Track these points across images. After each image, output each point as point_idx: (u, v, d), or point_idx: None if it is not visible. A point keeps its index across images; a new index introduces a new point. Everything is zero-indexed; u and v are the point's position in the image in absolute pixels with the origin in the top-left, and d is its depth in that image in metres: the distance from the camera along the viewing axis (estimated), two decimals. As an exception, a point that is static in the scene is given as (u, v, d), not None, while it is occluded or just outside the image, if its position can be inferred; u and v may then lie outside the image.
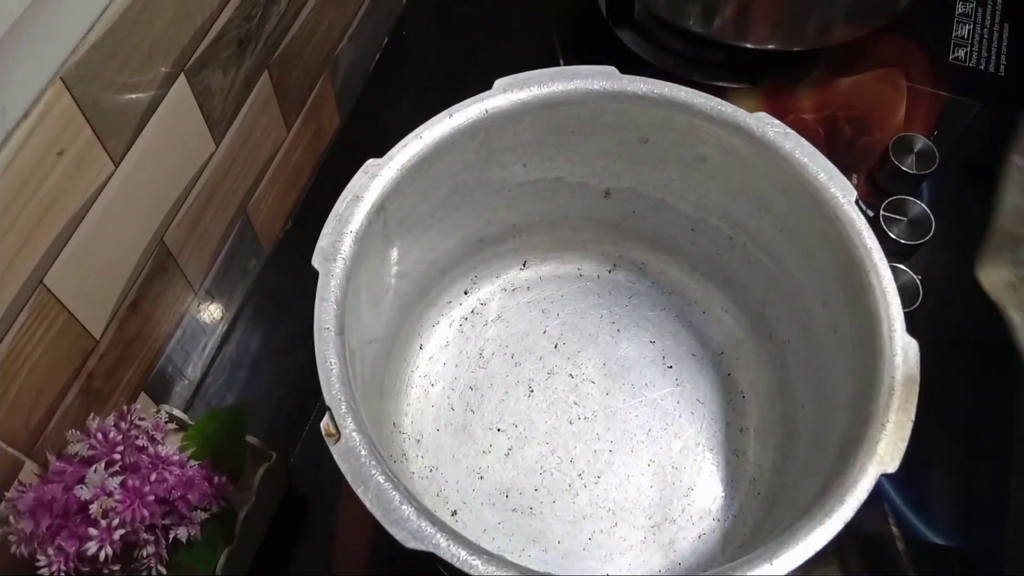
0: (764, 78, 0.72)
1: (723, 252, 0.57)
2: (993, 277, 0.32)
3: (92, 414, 0.48)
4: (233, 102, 0.57)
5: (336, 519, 0.57)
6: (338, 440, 0.40)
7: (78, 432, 0.47)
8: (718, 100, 0.50)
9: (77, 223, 0.45)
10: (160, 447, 0.47)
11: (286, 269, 0.67)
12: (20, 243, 0.42)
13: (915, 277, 0.62)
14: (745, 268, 0.56)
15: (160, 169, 0.51)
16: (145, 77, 0.47)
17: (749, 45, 0.67)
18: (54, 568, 0.43)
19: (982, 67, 0.75)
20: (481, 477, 0.54)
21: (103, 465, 0.45)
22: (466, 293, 0.60)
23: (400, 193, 0.48)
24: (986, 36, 0.76)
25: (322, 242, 0.46)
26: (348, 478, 0.39)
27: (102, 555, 0.43)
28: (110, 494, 0.44)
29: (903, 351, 0.43)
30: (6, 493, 0.45)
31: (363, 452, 0.40)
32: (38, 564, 0.43)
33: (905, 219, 0.64)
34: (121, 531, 0.44)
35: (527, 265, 0.62)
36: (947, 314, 0.61)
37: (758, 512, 0.53)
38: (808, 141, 0.49)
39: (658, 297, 0.61)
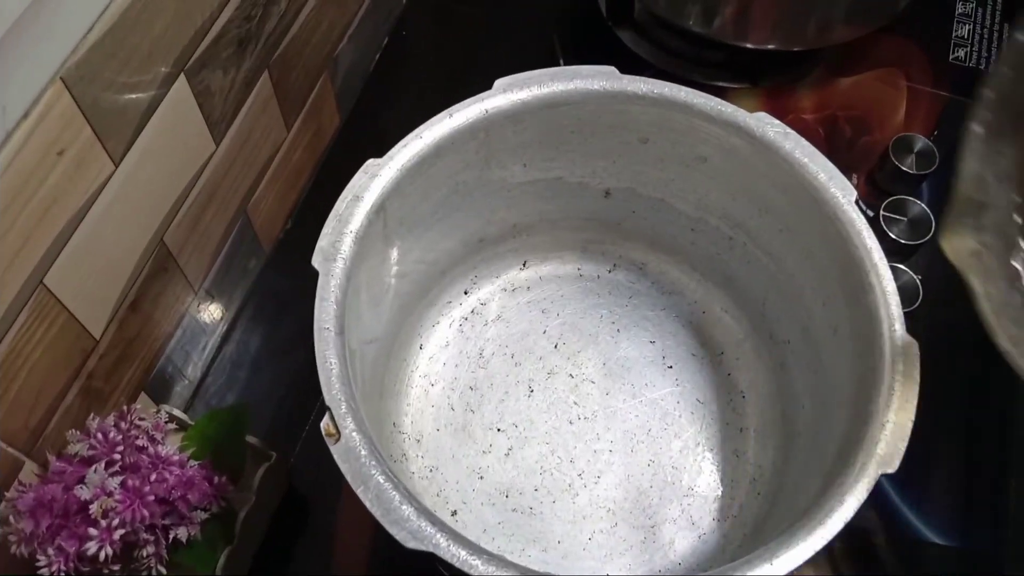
0: (764, 78, 0.72)
1: (723, 252, 0.57)
2: (956, 244, 0.33)
3: (92, 414, 0.48)
4: (233, 102, 0.57)
5: (336, 519, 0.57)
6: (338, 440, 0.40)
7: (78, 432, 0.47)
8: (718, 100, 0.50)
9: (77, 223, 0.45)
10: (160, 447, 0.47)
11: (286, 269, 0.67)
12: (20, 243, 0.42)
13: (915, 277, 0.62)
14: (745, 268, 0.56)
15: (160, 169, 0.51)
16: (145, 77, 0.47)
17: (749, 45, 0.67)
18: (54, 568, 0.43)
19: (982, 67, 0.75)
20: (481, 477, 0.54)
21: (103, 465, 0.45)
22: (466, 293, 0.60)
23: (400, 193, 0.48)
24: (986, 36, 0.76)
25: (322, 242, 0.46)
26: (348, 478, 0.39)
27: (102, 555, 0.43)
28: (110, 494, 0.44)
29: (903, 351, 0.43)
30: (6, 493, 0.45)
31: (363, 452, 0.40)
32: (38, 564, 0.43)
33: (905, 219, 0.64)
34: (121, 531, 0.44)
35: (527, 265, 0.62)
36: (947, 314, 0.61)
37: (758, 512, 0.53)
38: (808, 141, 0.49)
39: (658, 297, 0.61)
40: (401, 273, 0.53)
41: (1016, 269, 0.31)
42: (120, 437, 0.46)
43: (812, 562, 0.38)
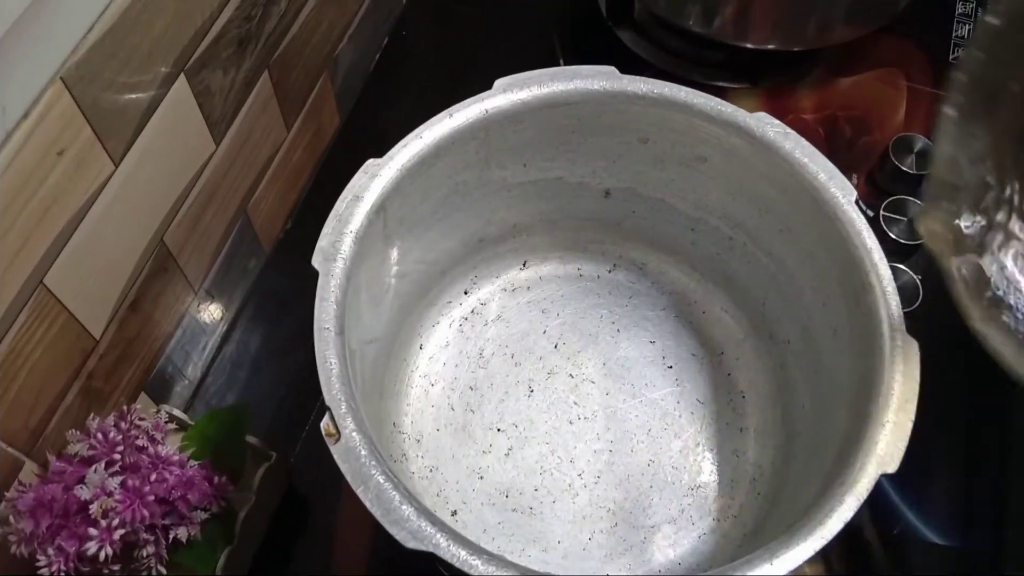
0: (764, 78, 0.72)
1: (723, 252, 0.57)
2: (931, 226, 0.33)
3: (92, 414, 0.48)
4: (233, 102, 0.57)
5: (336, 519, 0.57)
6: (338, 440, 0.40)
7: (78, 432, 0.47)
8: (718, 100, 0.50)
9: (77, 223, 0.45)
10: (160, 447, 0.47)
11: (286, 269, 0.67)
12: (20, 243, 0.42)
13: (915, 277, 0.62)
14: (745, 268, 0.56)
15: (160, 169, 0.51)
16: (145, 77, 0.47)
17: (749, 45, 0.67)
18: (54, 568, 0.43)
19: (982, 67, 0.75)
20: (481, 477, 0.54)
21: (103, 465, 0.45)
22: (466, 293, 0.60)
23: (400, 193, 0.48)
24: (986, 36, 0.76)
25: (322, 242, 0.46)
26: (348, 478, 0.39)
27: (102, 555, 0.43)
28: (110, 494, 0.44)
29: (903, 351, 0.43)
30: (6, 493, 0.45)
31: (363, 452, 0.40)
32: (38, 564, 0.43)
33: (905, 219, 0.64)
34: (121, 531, 0.44)
35: (527, 265, 0.62)
36: (947, 314, 0.61)
37: (758, 512, 0.53)
38: (808, 141, 0.49)
39: (658, 297, 0.61)
40: (401, 273, 0.53)
41: (992, 249, 0.31)
42: (120, 437, 0.46)
43: (810, 562, 0.38)
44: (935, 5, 0.78)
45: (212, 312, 0.63)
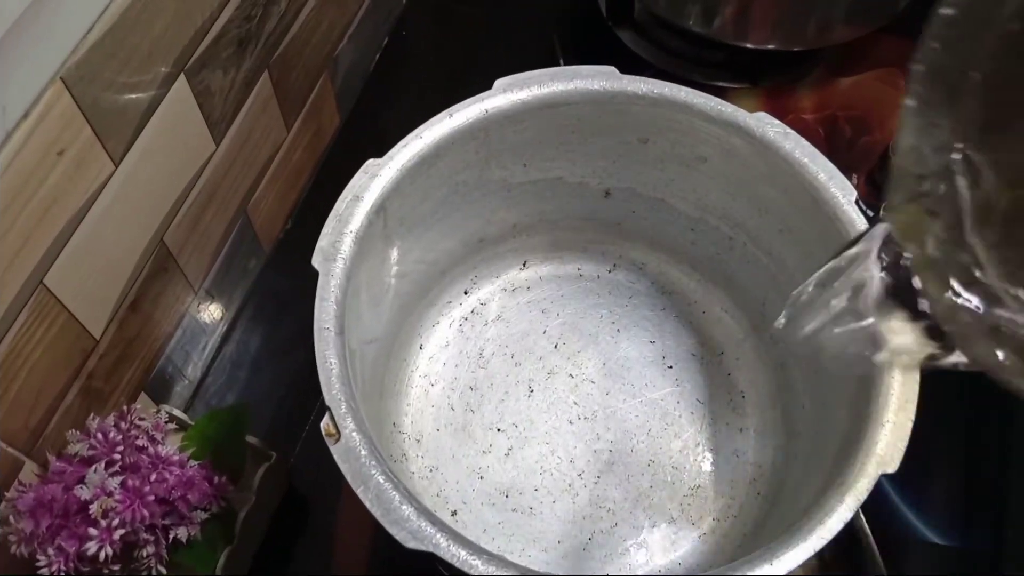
0: (764, 78, 0.72)
1: (723, 252, 0.57)
2: (898, 217, 0.33)
3: (92, 414, 0.48)
4: (233, 102, 0.57)
5: (336, 519, 0.57)
6: (338, 440, 0.40)
7: (78, 432, 0.47)
8: (718, 100, 0.50)
9: (77, 223, 0.45)
10: (160, 447, 0.47)
11: (286, 269, 0.67)
12: (20, 243, 0.42)
13: (915, 277, 0.62)
14: (745, 268, 0.56)
15: (160, 169, 0.51)
16: (145, 77, 0.47)
17: (749, 45, 0.67)
18: (54, 568, 0.43)
19: (982, 67, 0.74)
20: (481, 477, 0.54)
21: (103, 465, 0.45)
22: (466, 293, 0.60)
23: (400, 193, 0.48)
24: (986, 36, 0.76)
25: (322, 242, 0.46)
26: (348, 478, 0.39)
27: (102, 555, 0.43)
28: (110, 494, 0.44)
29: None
30: (6, 493, 0.45)
31: (363, 452, 0.40)
32: (38, 564, 0.43)
33: (905, 219, 0.64)
34: (121, 531, 0.44)
35: (527, 265, 0.62)
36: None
37: (758, 512, 0.53)
38: (808, 141, 0.49)
39: (658, 297, 0.61)
40: (401, 273, 0.53)
41: (958, 237, 0.31)
42: (120, 437, 0.46)
43: (809, 562, 0.38)
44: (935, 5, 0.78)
45: (212, 312, 0.63)
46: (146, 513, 0.44)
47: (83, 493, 0.44)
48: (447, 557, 0.37)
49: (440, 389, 0.57)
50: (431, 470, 0.54)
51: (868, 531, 0.49)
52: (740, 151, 0.50)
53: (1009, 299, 0.30)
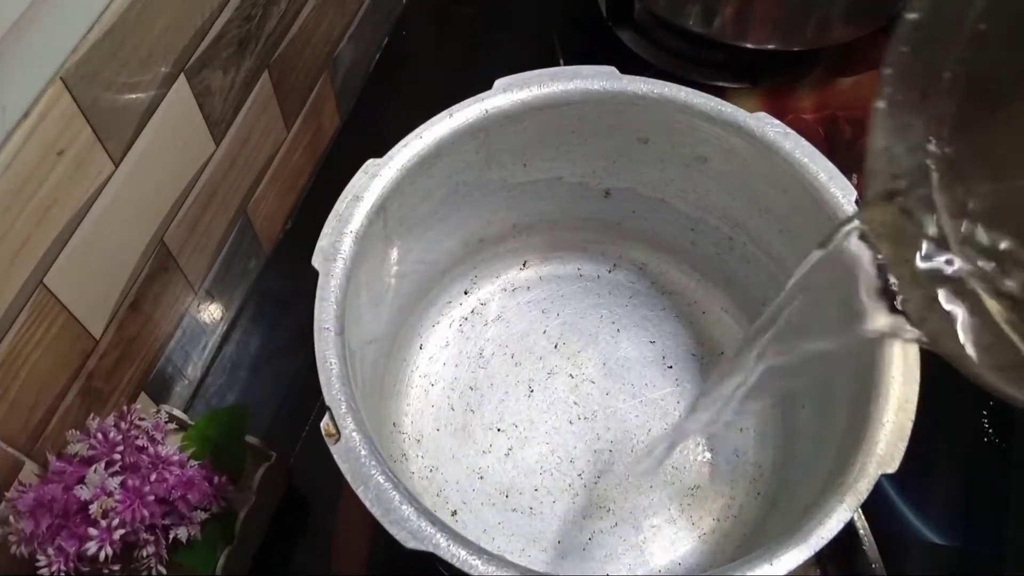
0: (764, 78, 0.72)
1: (723, 252, 0.57)
2: (871, 215, 0.34)
3: (92, 414, 0.48)
4: (233, 102, 0.57)
5: (336, 519, 0.57)
6: (338, 440, 0.40)
7: (78, 432, 0.47)
8: (718, 100, 0.50)
9: (77, 223, 0.45)
10: (160, 447, 0.47)
11: (286, 269, 0.67)
12: (20, 243, 0.42)
13: (915, 277, 0.62)
14: (745, 268, 0.56)
15: (160, 169, 0.51)
16: (145, 77, 0.47)
17: (749, 45, 0.67)
18: (54, 568, 0.43)
19: (982, 67, 0.74)
20: (481, 477, 0.54)
21: (103, 465, 0.45)
22: (466, 293, 0.60)
23: (400, 193, 0.48)
24: (986, 36, 0.76)
25: (322, 242, 0.46)
26: (348, 478, 0.39)
27: (102, 555, 0.43)
28: (110, 494, 0.44)
29: (903, 351, 0.43)
30: (6, 493, 0.45)
31: (363, 452, 0.40)
32: (38, 564, 0.43)
33: (905, 219, 0.64)
34: (121, 531, 0.44)
35: (527, 265, 0.62)
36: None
37: (758, 512, 0.53)
38: (808, 141, 0.49)
39: (658, 297, 0.61)
40: (401, 273, 0.53)
41: (931, 235, 0.31)
42: (120, 437, 0.46)
43: (809, 562, 0.38)
44: (935, 5, 0.78)
45: (212, 312, 0.63)
46: (146, 513, 0.44)
47: (83, 493, 0.44)
48: (447, 557, 0.37)
49: (440, 389, 0.57)
50: (431, 470, 0.54)
51: (868, 531, 0.49)
52: (740, 151, 0.50)
53: (984, 295, 0.30)
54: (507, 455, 0.55)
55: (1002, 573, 0.55)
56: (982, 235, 0.31)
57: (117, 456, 0.46)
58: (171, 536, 0.46)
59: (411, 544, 0.38)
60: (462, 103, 0.50)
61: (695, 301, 0.60)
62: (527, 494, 0.54)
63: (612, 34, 0.73)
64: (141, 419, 0.48)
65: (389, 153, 0.48)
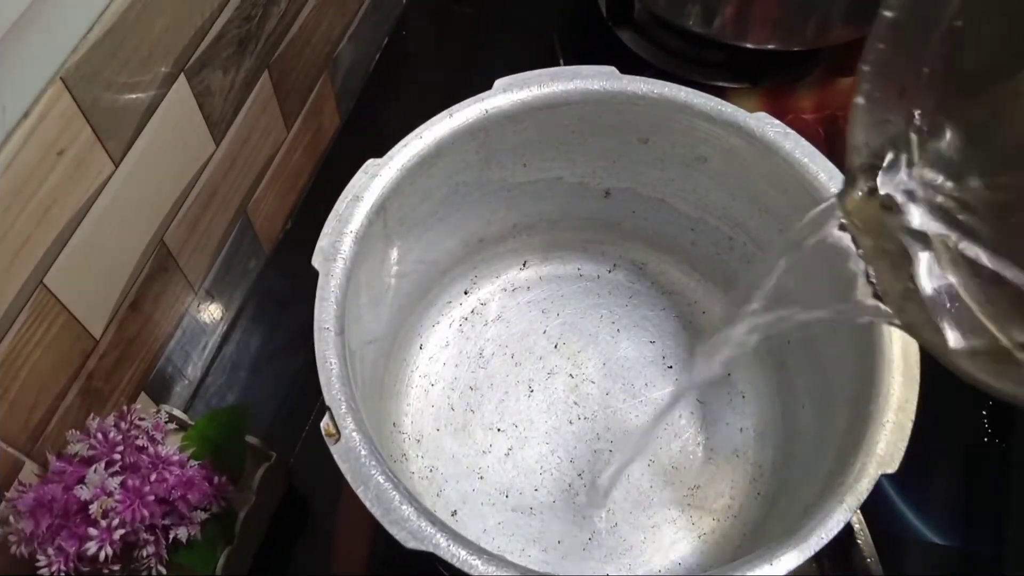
0: (764, 78, 0.72)
1: (723, 252, 0.57)
2: (850, 207, 0.34)
3: (92, 414, 0.48)
4: (233, 102, 0.57)
5: (336, 519, 0.57)
6: (338, 440, 0.40)
7: (78, 432, 0.47)
8: (718, 100, 0.50)
9: (77, 223, 0.45)
10: (160, 447, 0.47)
11: (286, 269, 0.67)
12: (20, 243, 0.42)
13: (915, 277, 0.62)
14: (745, 268, 0.56)
15: (160, 169, 0.51)
16: (145, 77, 0.47)
17: (749, 45, 0.67)
18: (54, 568, 0.43)
19: (982, 67, 0.74)
20: (481, 477, 0.54)
21: (103, 465, 0.45)
22: (466, 293, 0.60)
23: (400, 193, 0.48)
24: (986, 36, 0.76)
25: (322, 242, 0.46)
26: (348, 478, 0.39)
27: (102, 555, 0.43)
28: (110, 494, 0.44)
29: (903, 351, 0.43)
30: (6, 493, 0.45)
31: (363, 452, 0.40)
32: (38, 564, 0.43)
33: (905, 219, 0.64)
34: (121, 531, 0.44)
35: (527, 265, 0.62)
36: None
37: (758, 512, 0.53)
38: (808, 141, 0.49)
39: (658, 297, 0.61)
40: (401, 273, 0.53)
41: (911, 227, 0.32)
42: (120, 437, 0.46)
43: (809, 562, 0.38)
44: (935, 5, 0.78)
45: (212, 312, 0.63)
46: (146, 513, 0.44)
47: (83, 493, 0.44)
48: (447, 557, 0.37)
49: (440, 389, 0.57)
50: (431, 470, 0.54)
51: (864, 525, 0.49)
52: (740, 151, 0.50)
53: (962, 289, 0.31)
54: (507, 455, 0.55)
55: (1002, 573, 0.55)
56: (961, 224, 0.31)
57: (117, 456, 0.46)
58: (171, 536, 0.46)
59: (411, 544, 0.38)
60: (462, 103, 0.50)
61: (695, 301, 0.60)
62: (527, 494, 0.54)
63: (612, 34, 0.73)
64: (141, 419, 0.48)
65: (389, 153, 0.48)
